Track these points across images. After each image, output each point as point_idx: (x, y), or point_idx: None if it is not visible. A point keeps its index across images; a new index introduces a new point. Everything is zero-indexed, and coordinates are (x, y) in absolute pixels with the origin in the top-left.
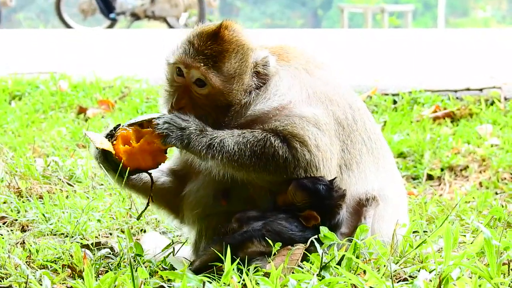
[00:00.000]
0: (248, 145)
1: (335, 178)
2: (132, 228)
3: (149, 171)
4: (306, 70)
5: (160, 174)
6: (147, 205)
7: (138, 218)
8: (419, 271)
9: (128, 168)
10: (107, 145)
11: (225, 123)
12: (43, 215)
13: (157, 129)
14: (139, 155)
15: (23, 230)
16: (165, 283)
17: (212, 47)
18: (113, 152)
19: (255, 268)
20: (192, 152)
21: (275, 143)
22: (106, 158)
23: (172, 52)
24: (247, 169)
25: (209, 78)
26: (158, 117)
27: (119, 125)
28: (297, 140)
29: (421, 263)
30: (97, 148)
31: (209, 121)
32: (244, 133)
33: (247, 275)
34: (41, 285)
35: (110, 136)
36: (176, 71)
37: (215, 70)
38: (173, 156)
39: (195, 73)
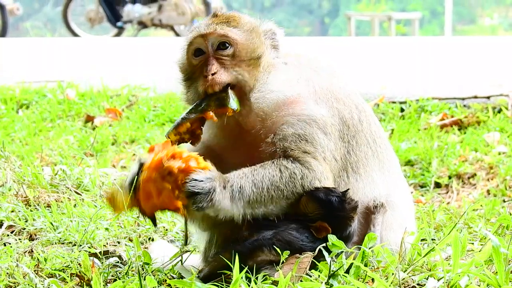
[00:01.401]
0: (266, 181)
1: (348, 189)
2: (140, 237)
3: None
4: (312, 68)
5: None
6: (186, 239)
7: (185, 244)
8: (427, 279)
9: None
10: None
11: (252, 99)
12: (51, 223)
13: (184, 194)
14: (165, 205)
15: (31, 238)
16: None
17: (220, 17)
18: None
19: (263, 276)
20: (214, 212)
21: (288, 165)
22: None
23: (189, 32)
24: (266, 204)
25: (229, 35)
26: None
27: (141, 165)
28: (309, 155)
29: (430, 271)
30: None
31: (245, 81)
32: (256, 169)
33: (256, 283)
34: None
35: (130, 185)
36: (194, 54)
37: (233, 27)
38: None
39: (214, 38)
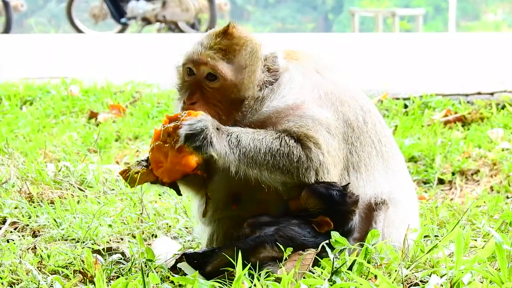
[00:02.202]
0: (264, 143)
1: (348, 183)
2: (143, 233)
3: (196, 172)
4: (316, 70)
5: None
6: (207, 203)
7: (203, 216)
8: (430, 275)
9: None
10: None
11: (239, 118)
12: (54, 220)
13: (180, 139)
14: (177, 166)
15: (34, 235)
16: None
17: (221, 42)
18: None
19: (266, 273)
20: (214, 152)
21: (290, 142)
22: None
23: (181, 55)
24: (260, 167)
25: (220, 69)
26: (178, 128)
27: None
28: (311, 141)
29: (432, 267)
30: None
31: (222, 118)
32: (258, 131)
33: (258, 280)
34: None
35: (145, 162)
36: (187, 71)
37: (226, 62)
38: None
39: (205, 68)
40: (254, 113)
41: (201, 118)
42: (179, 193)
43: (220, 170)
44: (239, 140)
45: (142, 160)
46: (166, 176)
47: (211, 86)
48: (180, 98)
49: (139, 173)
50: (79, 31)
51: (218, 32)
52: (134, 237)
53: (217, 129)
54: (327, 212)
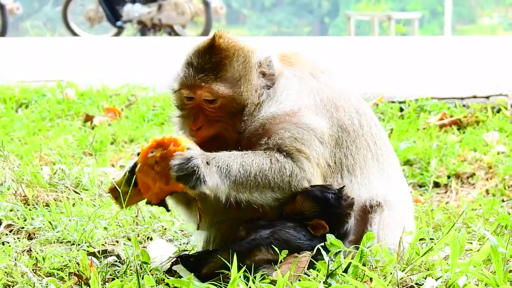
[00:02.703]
0: (254, 164)
1: (344, 186)
2: (138, 236)
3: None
4: (311, 75)
5: None
6: (200, 217)
7: (198, 228)
8: (425, 278)
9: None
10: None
11: (243, 128)
12: (50, 223)
13: (172, 180)
14: (165, 189)
15: (29, 238)
16: None
17: (211, 59)
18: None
19: (261, 275)
20: (207, 189)
21: (280, 158)
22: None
23: (175, 78)
24: (251, 190)
25: (216, 91)
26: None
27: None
28: (302, 156)
29: (428, 270)
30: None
31: (228, 129)
32: (247, 153)
33: (254, 282)
34: None
35: (132, 175)
36: (185, 98)
37: (219, 81)
38: None
39: (201, 93)
40: (253, 120)
41: (191, 155)
42: (167, 210)
43: None
44: (229, 170)
45: (129, 173)
46: (154, 198)
47: (211, 107)
48: (183, 124)
49: (128, 195)
50: (74, 34)
51: (206, 46)
52: (130, 239)
53: (207, 163)
54: (322, 215)
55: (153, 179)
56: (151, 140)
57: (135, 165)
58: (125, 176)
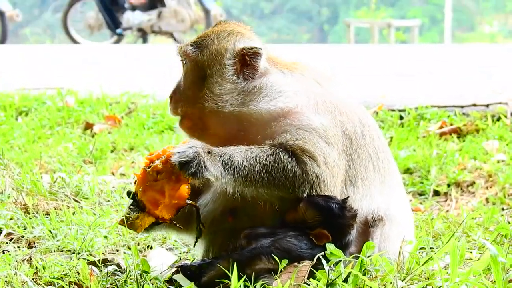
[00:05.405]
0: (258, 160)
1: (348, 197)
2: (138, 245)
3: (190, 202)
4: (316, 80)
5: None
6: (200, 232)
7: (194, 245)
8: None
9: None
10: None
11: (220, 104)
12: (50, 231)
13: (175, 168)
14: (174, 200)
15: (29, 246)
16: None
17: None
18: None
19: (261, 285)
20: (210, 175)
21: (284, 157)
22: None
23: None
24: (256, 184)
25: (184, 50)
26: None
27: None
28: (306, 155)
29: (428, 280)
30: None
31: (205, 112)
32: (251, 148)
33: None
34: None
35: (136, 206)
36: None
37: (191, 44)
38: None
39: (178, 50)
40: (240, 105)
41: (191, 144)
42: (180, 228)
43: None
44: (232, 160)
45: (132, 205)
46: (165, 213)
47: (184, 72)
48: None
49: (139, 218)
50: (74, 41)
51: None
52: (130, 248)
53: (209, 152)
54: (325, 225)
55: (161, 189)
56: (143, 164)
57: (134, 197)
58: (129, 206)
